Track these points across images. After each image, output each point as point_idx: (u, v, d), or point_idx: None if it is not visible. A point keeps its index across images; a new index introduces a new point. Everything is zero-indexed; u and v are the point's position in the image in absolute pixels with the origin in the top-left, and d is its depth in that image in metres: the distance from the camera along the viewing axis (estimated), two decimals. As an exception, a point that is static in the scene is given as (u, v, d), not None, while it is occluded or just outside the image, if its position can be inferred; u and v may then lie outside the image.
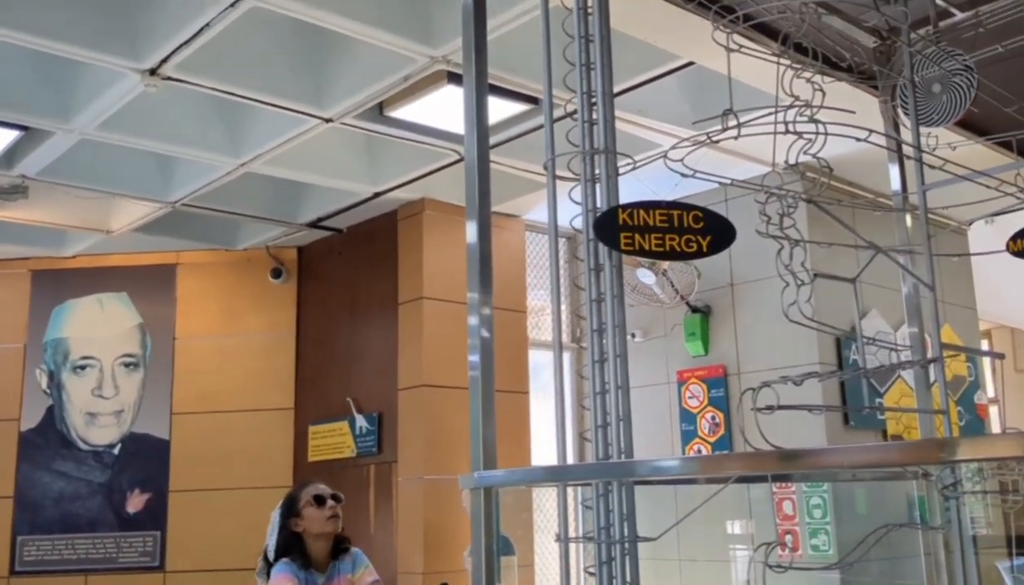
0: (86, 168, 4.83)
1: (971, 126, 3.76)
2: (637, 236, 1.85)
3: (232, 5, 3.25)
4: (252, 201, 5.46)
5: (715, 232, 1.94)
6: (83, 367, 5.99)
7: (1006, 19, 2.70)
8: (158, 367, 6.00)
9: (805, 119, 2.03)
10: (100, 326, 6.03)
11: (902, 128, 3.03)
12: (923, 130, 2.75)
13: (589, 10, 2.13)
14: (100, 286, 6.10)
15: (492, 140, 3.12)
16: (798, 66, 2.21)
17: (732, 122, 1.90)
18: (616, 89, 2.22)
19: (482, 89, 2.18)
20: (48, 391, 5.96)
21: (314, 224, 5.79)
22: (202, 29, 3.41)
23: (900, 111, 2.90)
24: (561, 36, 2.17)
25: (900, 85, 2.87)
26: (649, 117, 4.26)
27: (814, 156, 2.03)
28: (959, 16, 2.86)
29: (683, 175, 2.20)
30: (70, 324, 6.04)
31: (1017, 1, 2.73)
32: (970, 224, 5.68)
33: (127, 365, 6.01)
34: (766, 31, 2.96)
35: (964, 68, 2.67)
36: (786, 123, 1.93)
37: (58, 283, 6.11)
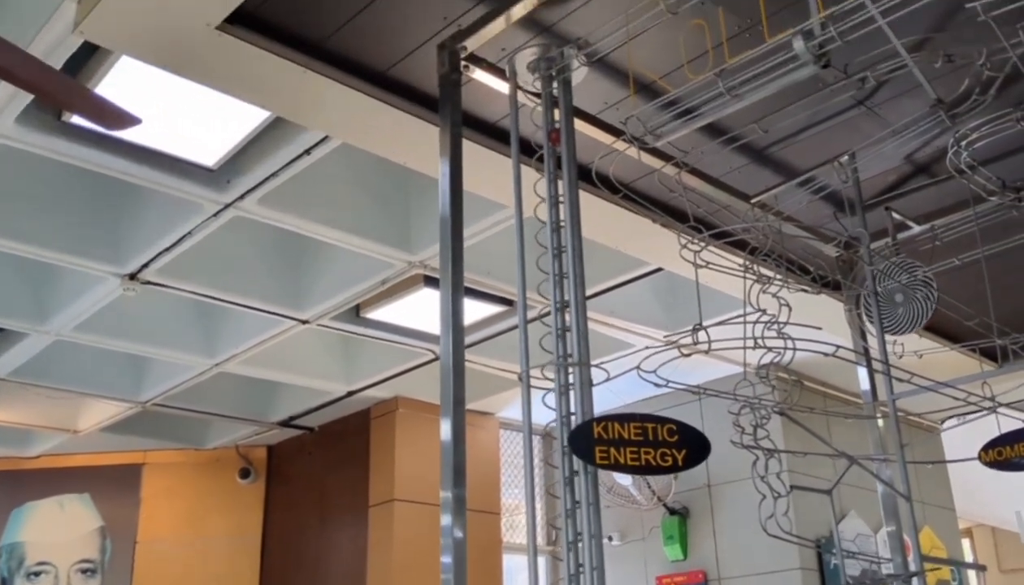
0: (58, 368, 4.80)
1: (937, 331, 3.86)
2: (612, 450, 1.85)
3: (215, 215, 3.35)
4: (224, 400, 5.41)
5: (690, 446, 1.94)
6: (38, 573, 5.72)
7: (961, 232, 2.83)
8: (116, 573, 5.75)
9: (773, 333, 2.08)
10: (59, 530, 5.82)
11: (869, 336, 3.11)
12: (890, 337, 2.82)
13: (562, 223, 2.21)
14: (62, 487, 5.93)
15: (467, 340, 3.16)
16: (765, 279, 2.29)
17: (702, 336, 1.94)
18: (588, 293, 2.28)
19: (458, 293, 2.22)
20: (-2, 599, 5.67)
21: (286, 423, 5.73)
22: (184, 237, 3.49)
23: (865, 319, 2.97)
24: (535, 244, 2.25)
25: (864, 295, 2.96)
26: (620, 318, 4.34)
27: (784, 368, 2.06)
28: (916, 229, 2.99)
29: (656, 385, 2.22)
30: (28, 527, 5.82)
31: (967, 217, 2.86)
32: (942, 422, 5.71)
33: (84, 571, 5.75)
34: (732, 242, 3.08)
35: (923, 281, 2.76)
36: (755, 338, 1.97)
37: (19, 484, 5.93)
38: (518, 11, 2.13)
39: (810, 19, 1.64)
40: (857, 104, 2.65)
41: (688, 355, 1.94)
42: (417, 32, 2.34)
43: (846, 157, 2.68)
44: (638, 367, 2.09)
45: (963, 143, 2.24)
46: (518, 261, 2.26)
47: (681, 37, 1.86)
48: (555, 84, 2.20)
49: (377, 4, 2.25)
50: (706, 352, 1.91)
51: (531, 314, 2.17)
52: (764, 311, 2.04)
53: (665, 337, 2.63)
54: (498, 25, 2.16)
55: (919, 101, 2.52)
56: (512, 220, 3.41)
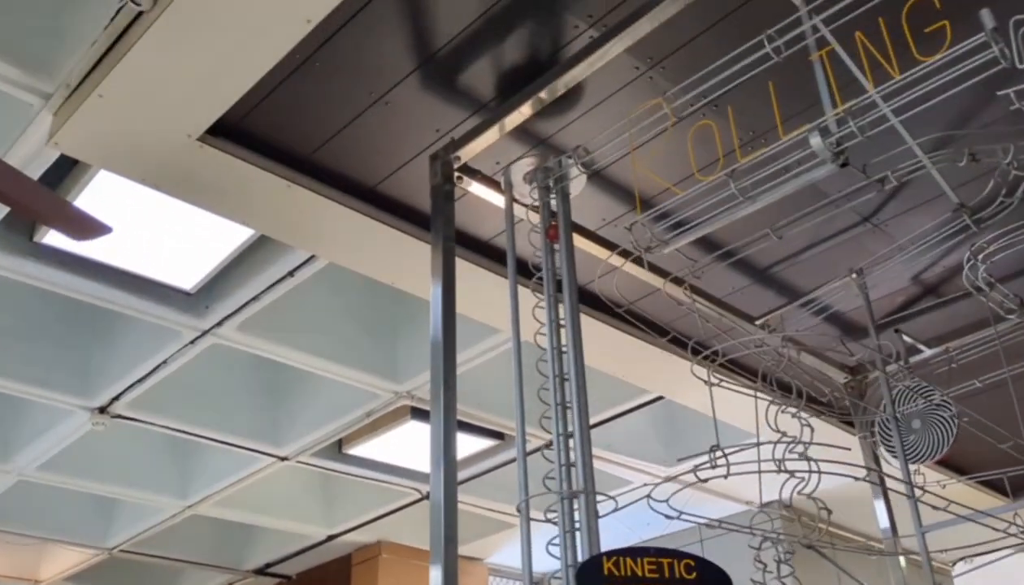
0: (20, 511, 4.51)
1: (949, 463, 3.67)
2: (626, 590, 1.64)
3: (192, 342, 3.18)
4: (196, 546, 5.10)
5: (709, 582, 1.73)
6: None
7: (977, 354, 2.70)
8: None
9: (795, 456, 1.91)
10: None
11: (885, 463, 2.93)
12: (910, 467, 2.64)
13: (564, 349, 2.04)
14: (19, 643, 5.51)
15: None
16: (780, 402, 2.13)
17: (719, 459, 1.77)
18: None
19: (450, 420, 2.03)
20: None
21: (261, 571, 5.39)
22: (158, 367, 3.32)
23: (882, 447, 2.80)
24: (530, 373, 2.09)
25: (879, 421, 2.80)
26: (616, 452, 4.14)
27: (809, 496, 1.88)
28: (929, 352, 2.86)
29: (668, 517, 2.03)
30: None
31: (984, 339, 2.74)
32: (953, 565, 5.44)
33: None
34: (738, 367, 2.94)
35: (942, 405, 2.61)
36: (777, 461, 1.80)
37: (-29, 640, 5.52)
38: (513, 121, 2.05)
39: (825, 115, 1.54)
40: (863, 220, 2.57)
41: (705, 481, 1.76)
42: (408, 145, 2.25)
43: (854, 275, 2.57)
44: (649, 496, 1.89)
45: (980, 256, 2.13)
46: (515, 389, 2.08)
47: (688, 141, 1.76)
48: (553, 195, 2.09)
49: (366, 116, 2.16)
50: (725, 475, 1.73)
51: (528, 446, 2.00)
52: (784, 433, 1.88)
53: (679, 460, 2.42)
54: (492, 135, 2.07)
55: (927, 216, 2.44)
56: (504, 346, 3.29)
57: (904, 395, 2.73)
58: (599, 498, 1.86)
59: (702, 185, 1.64)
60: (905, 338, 2.86)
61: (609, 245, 2.46)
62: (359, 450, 4.04)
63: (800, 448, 1.91)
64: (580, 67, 1.91)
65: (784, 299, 2.87)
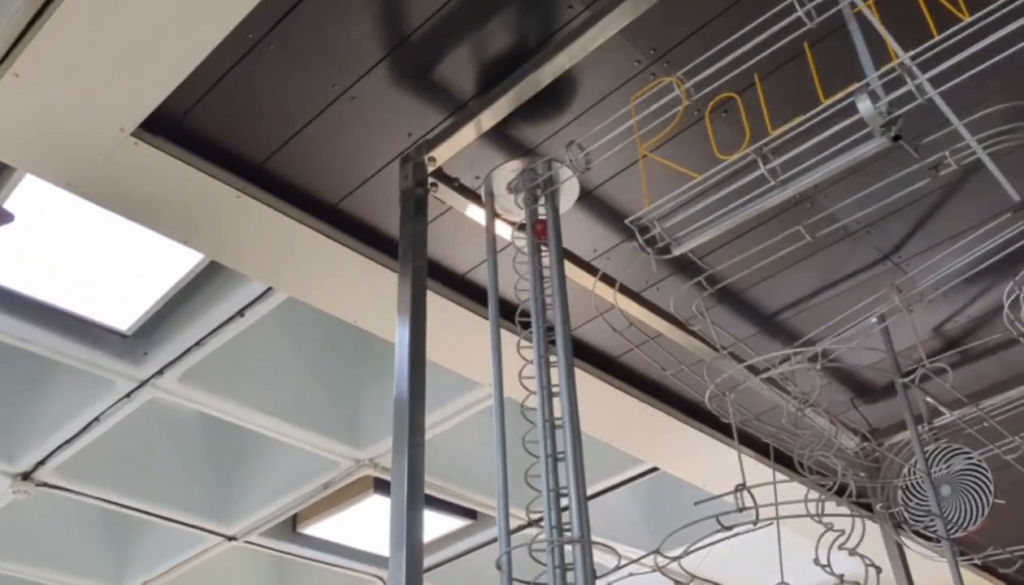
0: (-68, 597, 4.04)
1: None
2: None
3: (128, 395, 2.83)
4: (133, 640, 4.60)
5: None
6: None
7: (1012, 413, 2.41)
8: None
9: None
10: None
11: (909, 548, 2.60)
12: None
13: (558, 422, 1.69)
14: None
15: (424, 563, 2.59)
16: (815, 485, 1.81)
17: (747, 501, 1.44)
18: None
19: (415, 496, 1.66)
20: None
21: (205, 670, 4.88)
22: (89, 425, 2.95)
23: (907, 528, 2.48)
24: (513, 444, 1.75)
25: (902, 491, 2.49)
26: (596, 534, 3.77)
27: None
28: (950, 415, 2.57)
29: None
30: None
31: (1012, 399, 2.46)
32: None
33: None
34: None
35: (976, 467, 2.31)
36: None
37: None
38: (495, 114, 1.78)
39: (867, 77, 1.28)
40: (883, 258, 2.30)
41: (729, 529, 1.43)
42: (376, 152, 1.97)
43: (874, 319, 2.29)
44: (659, 569, 1.55)
45: (1025, 288, 1.86)
46: (497, 458, 1.72)
47: (705, 120, 1.49)
48: (542, 204, 1.81)
49: (329, 115, 1.89)
50: (756, 520, 1.39)
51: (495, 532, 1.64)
52: (830, 526, 1.54)
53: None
54: (471, 132, 1.80)
55: (955, 255, 2.19)
56: (481, 405, 2.96)
57: (930, 458, 2.43)
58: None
59: (724, 165, 1.36)
60: (928, 399, 2.56)
61: (608, 280, 2.18)
62: (315, 529, 3.64)
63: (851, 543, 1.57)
64: (571, 48, 1.65)
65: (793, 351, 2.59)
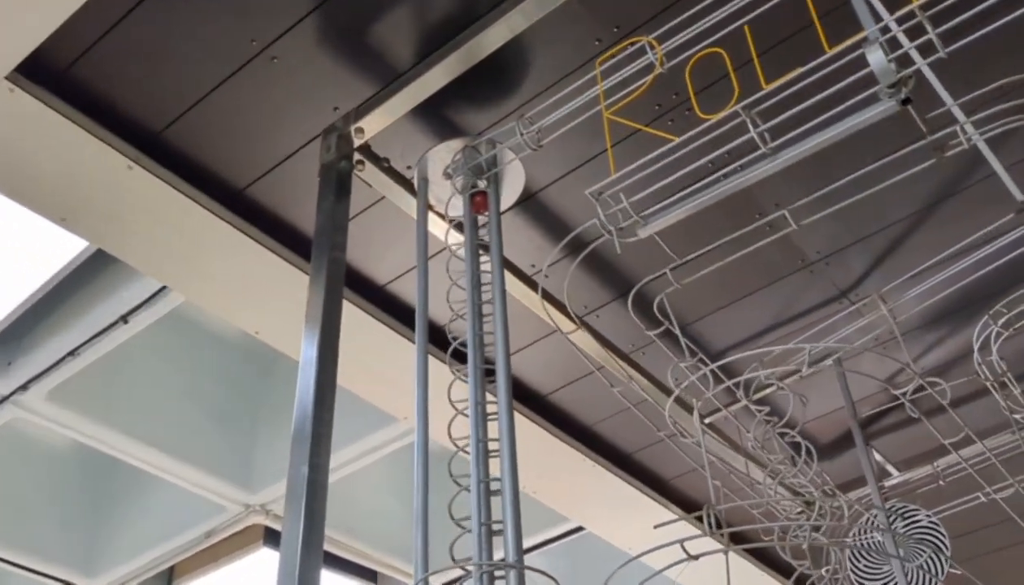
0: None
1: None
2: None
3: (-17, 414, 2.46)
4: None
5: None
6: None
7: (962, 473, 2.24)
8: None
9: None
10: None
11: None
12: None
13: (495, 487, 1.39)
14: None
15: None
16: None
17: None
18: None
19: (311, 550, 1.35)
20: None
21: None
22: (-64, 448, 2.56)
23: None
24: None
25: (849, 555, 2.29)
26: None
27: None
28: (902, 476, 2.40)
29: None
30: None
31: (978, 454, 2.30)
32: None
33: None
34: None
35: (930, 528, 2.13)
36: None
37: None
38: (433, 81, 1.56)
39: (863, 33, 1.11)
40: (841, 295, 2.14)
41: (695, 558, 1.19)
42: (296, 126, 1.72)
43: (829, 361, 2.11)
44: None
45: (1000, 324, 1.71)
46: (417, 502, 1.42)
47: (685, 76, 1.29)
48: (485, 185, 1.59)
49: (244, 77, 1.64)
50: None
51: None
52: None
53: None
54: (407, 100, 1.58)
55: (922, 296, 2.03)
56: (394, 445, 2.66)
57: (870, 524, 2.25)
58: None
59: (707, 124, 1.16)
60: (877, 456, 2.39)
61: (548, 298, 1.95)
62: (194, 585, 3.25)
63: None
64: (526, 5, 1.45)
65: (730, 399, 2.39)
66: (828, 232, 1.97)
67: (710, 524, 1.22)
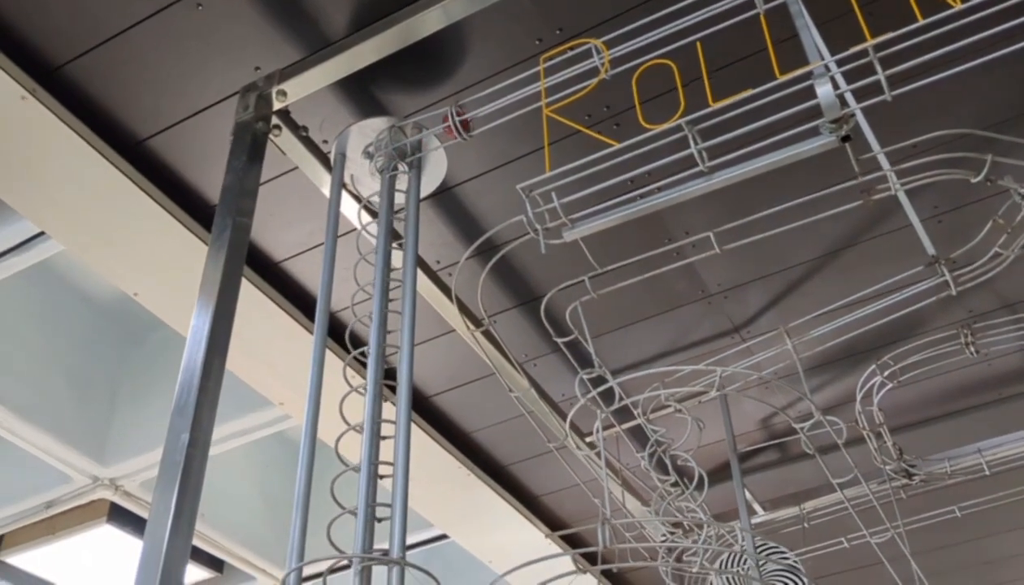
0: None
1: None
2: None
3: None
4: None
5: None
6: None
7: (832, 516, 2.31)
8: None
9: None
10: None
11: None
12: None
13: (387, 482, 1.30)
14: None
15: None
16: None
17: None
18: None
19: (179, 539, 1.23)
20: None
21: None
22: None
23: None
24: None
25: None
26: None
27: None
28: (769, 515, 2.45)
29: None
30: None
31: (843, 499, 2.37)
32: None
33: None
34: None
35: (791, 569, 2.18)
36: None
37: None
38: (362, 56, 1.50)
39: (816, 63, 1.13)
40: (734, 330, 2.18)
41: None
42: (211, 81, 1.63)
43: (713, 392, 2.14)
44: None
45: (886, 375, 1.76)
46: (299, 490, 1.33)
47: (632, 85, 1.28)
48: (405, 170, 1.54)
49: (163, 18, 1.54)
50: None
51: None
52: None
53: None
54: (331, 72, 1.51)
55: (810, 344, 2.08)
56: (265, 431, 2.55)
57: (736, 559, 2.28)
58: None
59: (649, 134, 1.15)
60: (747, 494, 2.43)
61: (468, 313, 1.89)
62: (24, 558, 3.01)
63: None
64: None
65: (618, 419, 2.40)
66: (731, 266, 2.00)
67: (604, 540, 1.19)
